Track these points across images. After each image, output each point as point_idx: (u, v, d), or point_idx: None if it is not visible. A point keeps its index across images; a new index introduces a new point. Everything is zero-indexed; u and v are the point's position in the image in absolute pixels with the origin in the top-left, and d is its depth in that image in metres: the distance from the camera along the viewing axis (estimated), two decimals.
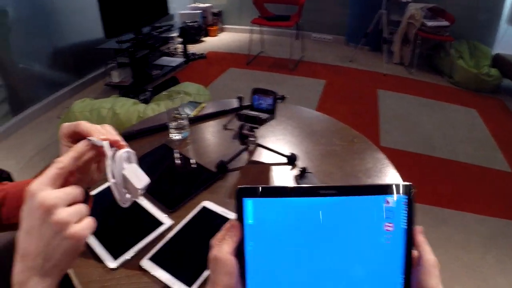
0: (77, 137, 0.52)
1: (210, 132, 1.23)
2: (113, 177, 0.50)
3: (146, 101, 2.52)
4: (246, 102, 1.24)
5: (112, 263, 0.74)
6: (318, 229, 0.45)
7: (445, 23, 4.04)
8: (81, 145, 0.49)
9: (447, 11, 4.11)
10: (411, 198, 0.43)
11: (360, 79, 4.06)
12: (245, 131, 0.99)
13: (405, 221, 0.43)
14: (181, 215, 0.85)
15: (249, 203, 0.44)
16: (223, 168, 1.00)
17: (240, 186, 0.44)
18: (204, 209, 0.87)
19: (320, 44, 5.19)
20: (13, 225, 0.75)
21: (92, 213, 0.47)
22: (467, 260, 1.80)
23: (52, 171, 0.44)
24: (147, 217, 0.86)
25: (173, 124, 1.17)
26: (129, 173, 0.51)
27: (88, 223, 0.44)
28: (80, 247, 0.43)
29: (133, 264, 0.74)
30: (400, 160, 2.54)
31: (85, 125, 0.52)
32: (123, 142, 0.53)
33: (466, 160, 2.61)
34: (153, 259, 0.75)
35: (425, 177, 2.42)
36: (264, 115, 0.94)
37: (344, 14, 5.04)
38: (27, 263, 0.41)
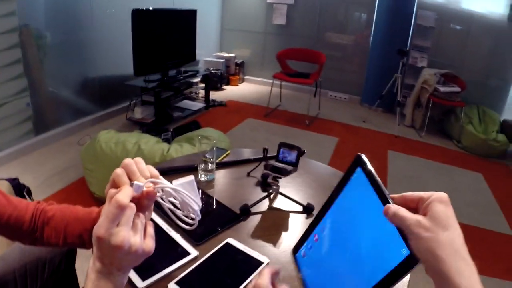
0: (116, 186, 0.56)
1: (234, 177, 1.33)
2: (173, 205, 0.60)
3: (167, 141, 2.65)
4: (270, 154, 1.37)
5: (140, 284, 0.81)
6: None
7: (457, 89, 4.17)
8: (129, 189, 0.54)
9: (459, 78, 4.25)
10: None
11: (372, 139, 4.16)
12: (270, 180, 1.11)
13: None
14: (206, 248, 0.94)
15: None
16: (246, 211, 1.09)
17: None
18: (228, 244, 0.95)
19: (336, 103, 5.35)
20: (49, 244, 0.82)
21: None
22: None
23: (112, 211, 0.49)
24: (175, 247, 0.94)
25: (202, 166, 1.29)
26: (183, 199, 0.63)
27: (153, 241, 0.55)
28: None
29: (160, 287, 0.82)
30: None
31: (128, 167, 0.57)
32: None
33: (470, 222, 2.66)
34: (179, 283, 0.82)
35: None
36: (289, 167, 1.06)
37: (361, 76, 5.20)
38: (109, 268, 0.52)
